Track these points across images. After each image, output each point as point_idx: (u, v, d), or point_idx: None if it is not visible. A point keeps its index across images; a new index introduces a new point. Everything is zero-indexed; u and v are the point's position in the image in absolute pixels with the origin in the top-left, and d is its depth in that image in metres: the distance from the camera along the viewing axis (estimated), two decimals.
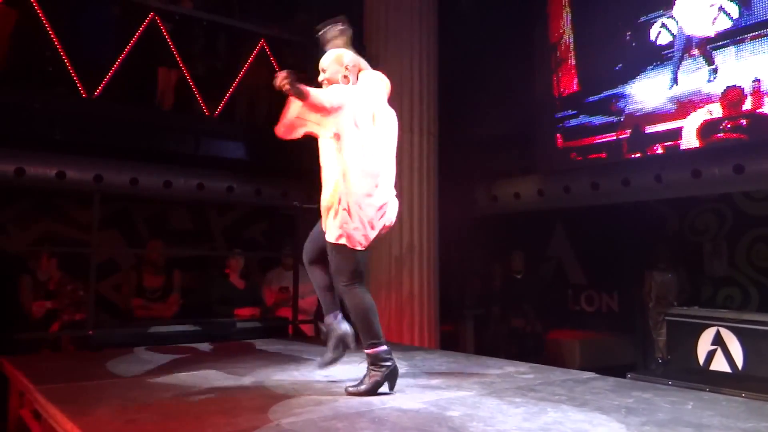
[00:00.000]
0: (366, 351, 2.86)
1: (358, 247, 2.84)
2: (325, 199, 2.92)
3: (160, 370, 3.44)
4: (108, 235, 6.89)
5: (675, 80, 5.57)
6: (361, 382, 2.83)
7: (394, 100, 6.69)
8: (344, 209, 2.82)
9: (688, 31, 5.51)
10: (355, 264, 2.87)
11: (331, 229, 2.86)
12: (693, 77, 5.44)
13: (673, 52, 5.61)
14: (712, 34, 5.33)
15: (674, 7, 5.61)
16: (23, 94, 5.15)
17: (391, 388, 2.86)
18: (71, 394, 2.80)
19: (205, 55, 6.39)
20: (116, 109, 5.58)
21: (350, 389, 2.82)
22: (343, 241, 2.84)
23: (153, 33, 5.68)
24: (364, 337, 2.88)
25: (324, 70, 3.05)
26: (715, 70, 5.29)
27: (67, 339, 5.28)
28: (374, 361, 2.83)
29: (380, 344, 2.84)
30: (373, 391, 2.79)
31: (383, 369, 2.81)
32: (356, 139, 2.85)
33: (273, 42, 6.27)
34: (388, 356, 2.84)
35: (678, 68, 5.57)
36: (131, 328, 5.35)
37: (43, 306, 5.41)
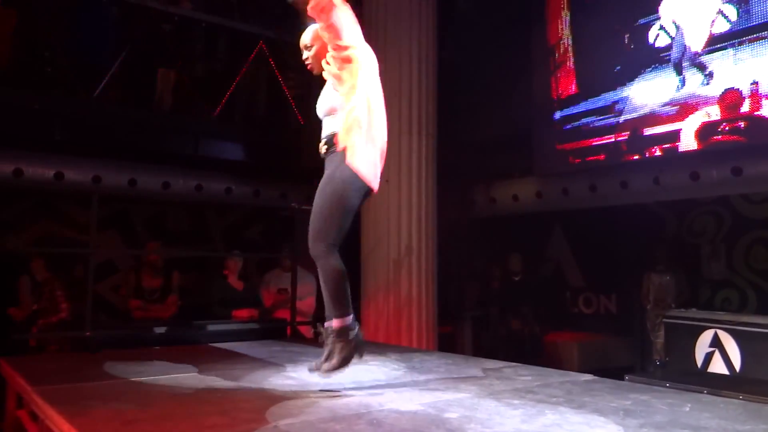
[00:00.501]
0: (334, 323, 2.73)
1: (371, 184, 2.73)
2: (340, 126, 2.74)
3: (157, 371, 3.44)
4: (107, 236, 6.90)
5: (673, 83, 5.58)
6: (329, 357, 2.70)
7: (392, 102, 6.71)
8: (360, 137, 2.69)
9: (686, 34, 5.52)
10: (347, 222, 2.74)
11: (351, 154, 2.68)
12: (691, 80, 5.45)
13: (671, 54, 5.62)
14: (710, 36, 5.34)
15: (673, 9, 5.62)
16: (22, 94, 5.14)
17: (360, 356, 2.78)
18: (68, 396, 2.79)
19: (204, 56, 6.40)
20: (115, 110, 5.59)
21: (324, 367, 2.70)
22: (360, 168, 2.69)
23: (152, 34, 5.68)
24: (336, 306, 2.73)
25: (308, 47, 2.91)
26: (713, 73, 5.29)
27: (50, 341, 5.25)
28: (341, 333, 2.72)
29: (350, 314, 2.73)
30: (345, 364, 2.70)
31: (352, 340, 2.72)
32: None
33: (272, 43, 6.27)
34: (354, 326, 2.75)
35: (676, 71, 5.58)
36: (129, 329, 5.35)
37: (22, 310, 5.40)
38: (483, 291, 8.02)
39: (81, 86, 5.32)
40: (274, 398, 2.76)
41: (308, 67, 2.97)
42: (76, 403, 2.63)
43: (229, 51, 6.48)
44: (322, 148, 2.87)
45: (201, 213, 7.69)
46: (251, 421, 2.36)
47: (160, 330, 5.04)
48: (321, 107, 2.92)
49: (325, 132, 2.88)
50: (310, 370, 2.88)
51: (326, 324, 2.82)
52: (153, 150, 6.06)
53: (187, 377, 3.27)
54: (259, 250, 7.75)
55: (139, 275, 5.98)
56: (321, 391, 2.81)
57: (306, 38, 2.92)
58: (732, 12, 5.18)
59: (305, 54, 2.93)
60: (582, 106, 6.30)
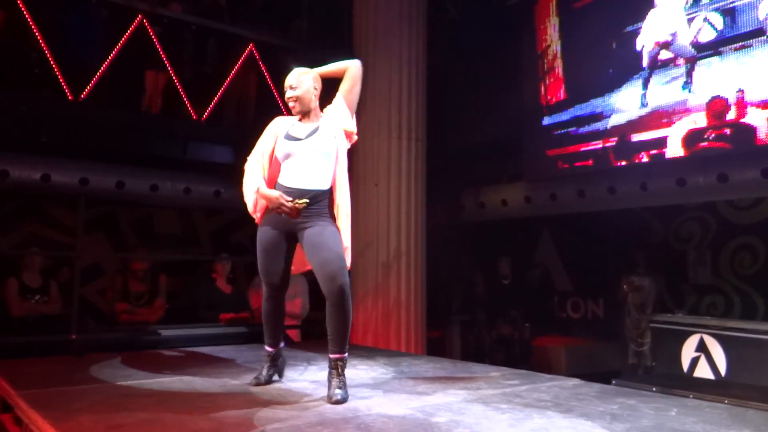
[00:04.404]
0: (343, 356, 2.87)
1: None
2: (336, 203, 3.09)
3: (144, 375, 3.42)
4: (94, 238, 6.84)
5: (661, 90, 5.63)
6: (338, 388, 2.79)
7: (382, 106, 6.73)
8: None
9: (673, 42, 5.57)
10: None
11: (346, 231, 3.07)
12: (678, 87, 5.50)
13: (658, 61, 5.67)
14: (696, 44, 5.40)
15: (660, 17, 5.68)
16: (9, 95, 5.10)
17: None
18: (53, 400, 2.76)
19: (194, 59, 6.37)
20: (103, 112, 5.54)
21: (337, 399, 2.74)
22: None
23: (141, 36, 5.65)
24: (346, 342, 2.89)
25: (294, 87, 3.01)
26: (700, 81, 5.35)
27: None
28: (345, 365, 2.89)
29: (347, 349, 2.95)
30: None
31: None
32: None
33: (261, 46, 6.26)
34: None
35: (664, 78, 5.63)
36: (116, 332, 5.30)
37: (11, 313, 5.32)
38: (471, 295, 8.04)
39: (69, 88, 5.27)
40: (261, 402, 2.75)
41: (291, 106, 3.08)
42: (62, 407, 2.61)
43: (218, 54, 6.46)
44: (302, 202, 2.98)
45: (189, 216, 7.65)
46: (239, 425, 2.35)
47: (147, 334, 5.00)
48: (320, 147, 3.00)
49: (312, 183, 3.01)
50: (254, 384, 3.10)
51: (272, 349, 3.16)
52: (141, 152, 6.02)
53: (174, 381, 3.25)
54: (247, 253, 7.70)
55: (125, 278, 5.93)
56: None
57: (292, 80, 3.05)
58: (718, 20, 5.24)
59: (290, 93, 3.04)
60: (570, 112, 6.34)
